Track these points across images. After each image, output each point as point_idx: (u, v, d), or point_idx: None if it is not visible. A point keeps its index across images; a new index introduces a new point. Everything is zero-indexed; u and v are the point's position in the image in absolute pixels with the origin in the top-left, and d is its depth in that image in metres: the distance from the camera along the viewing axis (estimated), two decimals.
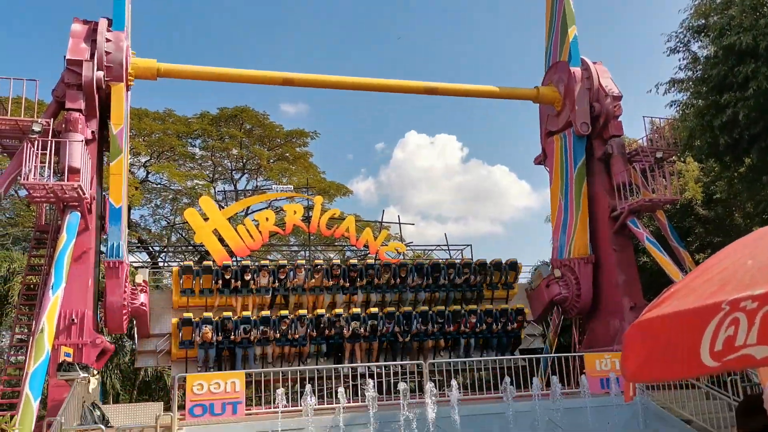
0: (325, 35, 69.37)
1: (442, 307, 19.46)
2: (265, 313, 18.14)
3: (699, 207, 22.70)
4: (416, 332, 18.63)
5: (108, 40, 16.40)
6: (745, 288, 2.14)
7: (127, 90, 16.94)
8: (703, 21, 17.22)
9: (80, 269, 15.33)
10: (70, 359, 14.03)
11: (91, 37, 16.40)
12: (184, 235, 34.06)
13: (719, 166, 19.27)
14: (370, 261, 20.74)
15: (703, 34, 17.51)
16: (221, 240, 21.85)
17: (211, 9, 65.45)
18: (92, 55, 16.14)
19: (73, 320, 14.97)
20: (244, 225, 24.31)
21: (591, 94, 19.89)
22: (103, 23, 16.59)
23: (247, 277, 18.85)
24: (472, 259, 21.85)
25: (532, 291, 21.06)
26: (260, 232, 23.87)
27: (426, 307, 19.37)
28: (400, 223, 30.72)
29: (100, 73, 16.08)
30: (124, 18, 16.91)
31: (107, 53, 16.28)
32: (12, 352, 15.73)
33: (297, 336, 17.89)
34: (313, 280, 19.31)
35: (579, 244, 19.81)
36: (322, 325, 18.20)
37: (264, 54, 67.32)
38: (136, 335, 19.14)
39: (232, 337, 17.32)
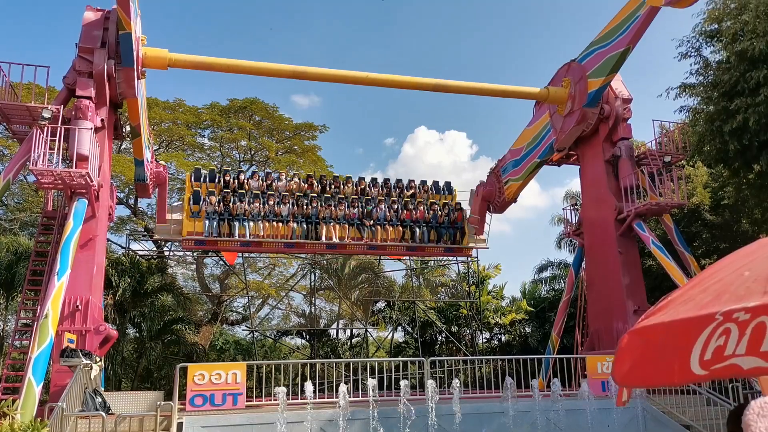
0: (337, 28, 69.33)
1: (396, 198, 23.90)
2: (257, 192, 22.39)
3: (706, 212, 22.59)
4: (377, 217, 22.58)
5: None
6: (739, 299, 2.14)
7: (138, 80, 16.98)
8: (716, 26, 17.12)
9: (86, 256, 15.44)
10: (73, 345, 14.14)
11: (104, 26, 16.45)
12: None
13: (728, 171, 19.17)
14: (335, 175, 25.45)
15: (715, 39, 17.40)
16: None
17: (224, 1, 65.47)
18: (104, 44, 16.19)
19: (77, 306, 15.08)
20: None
21: (596, 116, 20.10)
22: (114, 12, 16.62)
23: (242, 179, 22.92)
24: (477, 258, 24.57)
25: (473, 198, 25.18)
26: None
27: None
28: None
29: (112, 62, 16.14)
30: (136, 7, 16.95)
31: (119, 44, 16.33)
32: (17, 337, 15.85)
33: (281, 212, 21.76)
34: (293, 183, 23.26)
35: (513, 189, 23.39)
36: (301, 204, 22.09)
37: (276, 45, 67.36)
38: (156, 219, 22.72)
39: (231, 206, 21.17)
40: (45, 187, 15.49)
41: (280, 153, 35.29)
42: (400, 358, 17.96)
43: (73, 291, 14.78)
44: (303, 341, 37.83)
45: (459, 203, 24.61)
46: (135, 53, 16.44)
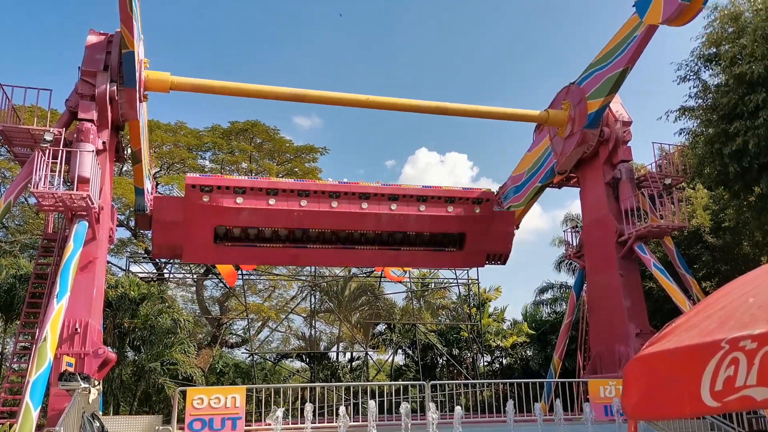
0: (339, 50, 69.91)
1: None
2: None
3: (707, 234, 22.55)
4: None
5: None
6: (744, 327, 2.12)
7: (140, 102, 17.09)
8: (715, 50, 17.24)
9: (86, 278, 15.37)
10: (71, 369, 14.02)
11: (106, 49, 16.59)
12: None
13: (728, 194, 19.17)
14: None
15: (714, 63, 17.52)
16: None
17: (225, 22, 66.14)
18: (106, 67, 16.32)
19: (76, 329, 14.97)
20: None
21: (596, 137, 20.12)
22: (117, 36, 16.78)
23: None
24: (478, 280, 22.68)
25: None
26: None
27: None
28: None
29: (114, 84, 16.25)
30: (139, 30, 17.10)
31: (121, 65, 16.46)
32: (15, 360, 15.73)
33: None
34: None
35: (515, 214, 22.89)
36: None
37: (277, 68, 67.87)
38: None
39: None
40: (46, 209, 15.49)
41: (280, 175, 35.36)
42: (400, 382, 17.84)
43: (73, 314, 14.68)
44: (303, 364, 37.56)
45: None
46: (137, 74, 16.56)
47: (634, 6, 17.28)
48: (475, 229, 21.77)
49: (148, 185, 19.42)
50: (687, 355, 2.27)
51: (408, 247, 22.36)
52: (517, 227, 23.45)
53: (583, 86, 19.94)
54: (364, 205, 20.35)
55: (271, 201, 19.62)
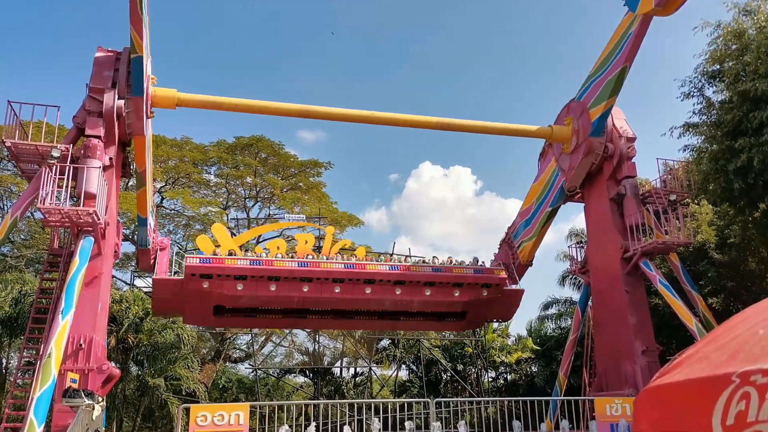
0: (344, 66, 70.29)
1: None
2: None
3: (713, 250, 22.47)
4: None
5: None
6: (755, 360, 2.12)
7: (147, 118, 17.17)
8: (718, 66, 17.29)
9: (91, 294, 15.39)
10: (75, 385, 14.00)
11: (114, 66, 16.71)
12: None
13: (733, 210, 19.14)
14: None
15: (717, 80, 17.56)
16: None
17: (232, 38, 66.64)
18: (114, 84, 16.43)
19: (80, 345, 14.97)
20: (254, 253, 24.43)
21: (603, 145, 20.02)
22: (125, 53, 16.91)
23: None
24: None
25: None
26: None
27: None
28: (410, 257, 30.70)
29: (121, 102, 16.35)
30: (148, 45, 17.21)
31: (128, 83, 16.55)
32: (19, 375, 15.72)
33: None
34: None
35: (527, 250, 22.56)
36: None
37: (282, 83, 68.25)
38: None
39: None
40: (52, 225, 15.54)
41: (285, 190, 35.49)
42: (404, 399, 17.72)
43: (77, 329, 14.69)
44: (306, 379, 37.43)
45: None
46: (145, 84, 16.62)
47: (625, 5, 17.46)
48: (479, 306, 21.93)
49: (151, 221, 19.34)
50: (698, 387, 2.26)
51: (407, 318, 22.49)
52: (531, 264, 22.81)
53: (584, 99, 20.06)
54: (368, 290, 20.19)
55: (273, 287, 19.40)
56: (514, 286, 22.64)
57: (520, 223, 23.24)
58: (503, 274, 22.01)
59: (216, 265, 19.13)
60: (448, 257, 23.80)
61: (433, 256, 23.12)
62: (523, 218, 23.22)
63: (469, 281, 21.03)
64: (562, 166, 21.07)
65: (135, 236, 30.94)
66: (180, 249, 35.55)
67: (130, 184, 29.63)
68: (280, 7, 70.39)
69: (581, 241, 24.47)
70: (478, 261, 23.33)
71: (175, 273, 20.37)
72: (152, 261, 20.29)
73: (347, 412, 24.59)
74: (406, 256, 28.72)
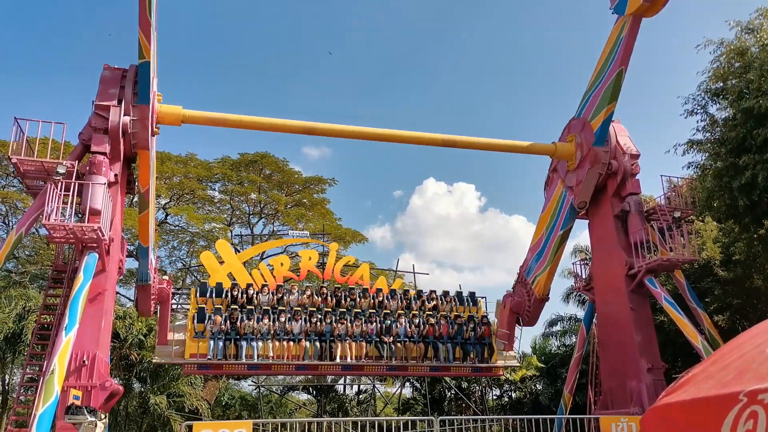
0: (349, 83, 70.73)
1: (416, 312, 22.62)
2: (267, 307, 21.12)
3: (718, 268, 22.38)
4: (396, 333, 21.14)
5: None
6: (762, 379, 2.11)
7: (152, 136, 17.25)
8: (722, 84, 17.37)
9: (95, 310, 15.38)
10: (78, 402, 13.95)
11: (120, 83, 16.83)
12: (198, 278, 34.14)
13: (738, 226, 19.09)
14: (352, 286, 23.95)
15: (721, 97, 17.63)
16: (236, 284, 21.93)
17: (237, 55, 67.19)
18: (120, 101, 16.54)
19: (84, 362, 14.93)
20: (258, 269, 24.44)
21: (608, 154, 19.92)
22: (131, 70, 17.05)
23: (251, 293, 21.61)
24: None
25: (499, 309, 23.46)
26: (274, 276, 23.97)
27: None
28: (414, 273, 30.61)
29: (127, 119, 16.44)
30: (154, 65, 17.33)
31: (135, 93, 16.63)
32: (22, 391, 15.67)
33: (292, 329, 20.39)
34: (305, 297, 21.86)
35: (541, 283, 21.70)
36: (314, 320, 20.67)
37: (287, 100, 68.66)
38: (156, 340, 21.11)
39: (238, 324, 19.90)
40: (57, 241, 15.58)
41: (289, 206, 35.57)
42: (408, 417, 17.61)
43: (80, 346, 14.66)
44: (309, 396, 37.21)
45: (485, 316, 23.38)
46: (151, 98, 16.68)
47: (613, 12, 17.68)
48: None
49: (152, 257, 19.22)
50: (705, 406, 2.25)
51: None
52: (547, 299, 22.14)
53: (583, 114, 20.22)
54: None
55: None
56: (510, 356, 23.19)
57: (532, 259, 22.55)
58: (499, 363, 22.60)
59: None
60: (430, 291, 24.00)
61: (419, 290, 24.05)
62: (533, 252, 22.54)
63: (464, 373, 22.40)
64: (569, 184, 21.02)
65: (138, 252, 30.99)
66: (184, 265, 35.58)
67: (134, 200, 29.71)
68: (285, 25, 71.07)
69: (586, 258, 24.37)
70: (462, 293, 24.46)
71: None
72: (153, 308, 19.97)
73: (351, 430, 24.43)
74: (413, 274, 28.64)
